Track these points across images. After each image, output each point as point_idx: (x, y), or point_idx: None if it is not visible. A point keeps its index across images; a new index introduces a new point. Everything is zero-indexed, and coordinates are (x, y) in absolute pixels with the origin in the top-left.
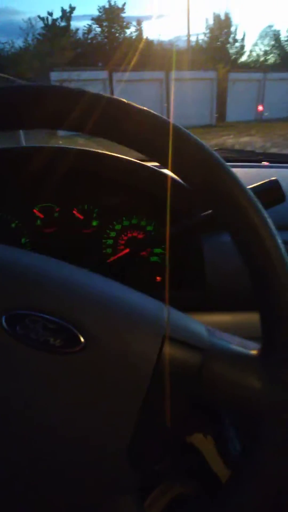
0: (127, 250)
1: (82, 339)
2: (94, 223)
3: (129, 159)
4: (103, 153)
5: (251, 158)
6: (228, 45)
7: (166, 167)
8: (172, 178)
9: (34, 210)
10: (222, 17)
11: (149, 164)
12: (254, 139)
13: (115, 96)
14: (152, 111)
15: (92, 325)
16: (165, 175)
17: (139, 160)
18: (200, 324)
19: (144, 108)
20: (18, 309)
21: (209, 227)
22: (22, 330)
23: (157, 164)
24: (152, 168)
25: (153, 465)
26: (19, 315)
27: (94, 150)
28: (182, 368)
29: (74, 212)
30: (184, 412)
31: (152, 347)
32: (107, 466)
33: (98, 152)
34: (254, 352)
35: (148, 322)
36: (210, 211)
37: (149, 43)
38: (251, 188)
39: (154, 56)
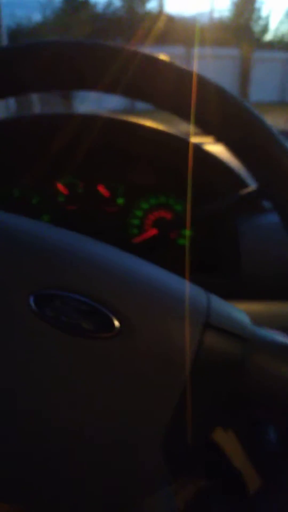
0: (155, 231)
1: (117, 324)
2: (120, 201)
3: (163, 131)
4: (133, 122)
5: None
6: (253, 23)
7: (215, 136)
8: (209, 154)
9: (58, 185)
10: None
11: (194, 140)
12: (278, 121)
13: (144, 52)
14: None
15: (128, 309)
16: (203, 151)
17: (181, 134)
18: (242, 312)
19: (173, 62)
20: (47, 288)
21: (247, 209)
22: (52, 312)
23: (200, 141)
24: (188, 142)
25: (185, 460)
26: (49, 295)
27: (123, 118)
28: (223, 358)
29: (99, 188)
30: (222, 406)
31: (192, 335)
32: (141, 460)
33: (128, 120)
34: None
35: (188, 308)
36: (247, 191)
37: (171, 18)
38: None
39: (175, 32)
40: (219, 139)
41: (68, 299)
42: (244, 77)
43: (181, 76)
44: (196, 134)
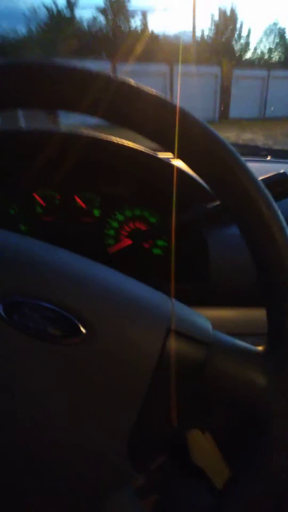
0: (129, 241)
1: (83, 330)
2: (96, 213)
3: (137, 148)
4: (109, 139)
5: (255, 153)
6: (233, 42)
7: (173, 154)
8: (179, 169)
9: (35, 196)
10: (228, 13)
11: (159, 155)
12: (257, 137)
13: (123, 77)
14: (159, 94)
15: (94, 316)
16: (173, 166)
17: (149, 150)
18: (204, 318)
19: (153, 90)
20: (16, 296)
21: (214, 220)
22: (20, 319)
23: (168, 156)
24: (159, 158)
25: (151, 461)
26: (17, 303)
27: (101, 135)
28: (186, 362)
29: (76, 199)
30: (185, 408)
31: (156, 340)
32: (105, 460)
33: (105, 138)
34: (260, 348)
35: (152, 314)
36: (215, 204)
37: (154, 36)
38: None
39: (158, 50)
40: (187, 162)
41: (35, 306)
42: (225, 93)
43: (159, 106)
44: (158, 150)
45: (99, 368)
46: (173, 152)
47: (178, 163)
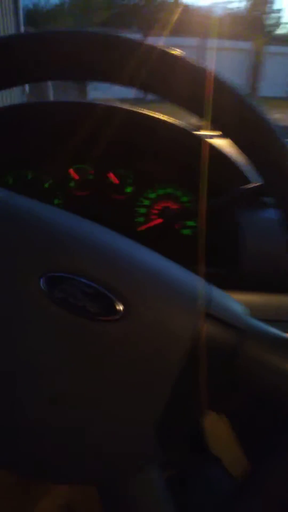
0: (160, 220)
1: (120, 308)
2: (128, 190)
3: (173, 123)
4: (146, 113)
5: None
6: (265, 16)
7: (208, 121)
8: (215, 149)
9: (70, 170)
10: None
11: (200, 132)
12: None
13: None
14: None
15: (132, 295)
16: (208, 144)
17: (187, 126)
18: (238, 303)
19: (191, 58)
20: (58, 271)
21: (249, 203)
22: (61, 293)
23: (210, 133)
24: (195, 135)
25: (178, 443)
26: (58, 277)
27: (137, 110)
28: (218, 346)
29: (109, 176)
30: (213, 393)
31: (190, 322)
32: (135, 437)
33: (141, 112)
34: None
35: (187, 296)
36: (250, 185)
37: (185, 8)
38: None
39: (189, 23)
40: (228, 136)
41: (76, 282)
42: (255, 71)
43: (197, 74)
44: (204, 127)
45: (133, 346)
46: (208, 120)
47: (219, 142)
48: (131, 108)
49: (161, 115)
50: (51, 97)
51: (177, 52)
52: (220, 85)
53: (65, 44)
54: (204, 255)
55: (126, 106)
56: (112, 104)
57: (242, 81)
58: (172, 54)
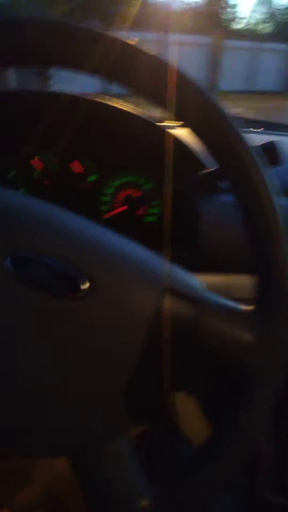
0: (124, 207)
1: (85, 285)
2: (92, 178)
3: (134, 113)
4: (109, 103)
5: (249, 124)
6: (223, 11)
7: (171, 114)
8: (174, 138)
9: (32, 161)
10: None
11: (163, 124)
12: (245, 110)
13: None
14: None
15: (96, 272)
16: (168, 134)
17: (148, 116)
18: (196, 279)
19: (154, 51)
20: (23, 251)
21: (207, 188)
22: (26, 272)
23: (171, 124)
24: (155, 125)
25: (146, 415)
26: (24, 257)
27: (99, 99)
28: (179, 319)
29: (73, 165)
30: (176, 368)
31: (152, 296)
32: (99, 412)
33: (104, 102)
34: (248, 308)
35: (150, 272)
36: (206, 170)
37: (145, 2)
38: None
39: (147, 17)
40: (188, 125)
41: (40, 261)
42: (214, 65)
43: (158, 65)
44: (168, 118)
45: (98, 322)
46: (171, 112)
47: (179, 132)
48: (94, 98)
49: (125, 105)
50: (12, 86)
51: (136, 42)
52: (180, 77)
53: (27, 29)
54: (169, 239)
55: (86, 95)
56: (75, 93)
57: (201, 76)
58: (133, 45)
